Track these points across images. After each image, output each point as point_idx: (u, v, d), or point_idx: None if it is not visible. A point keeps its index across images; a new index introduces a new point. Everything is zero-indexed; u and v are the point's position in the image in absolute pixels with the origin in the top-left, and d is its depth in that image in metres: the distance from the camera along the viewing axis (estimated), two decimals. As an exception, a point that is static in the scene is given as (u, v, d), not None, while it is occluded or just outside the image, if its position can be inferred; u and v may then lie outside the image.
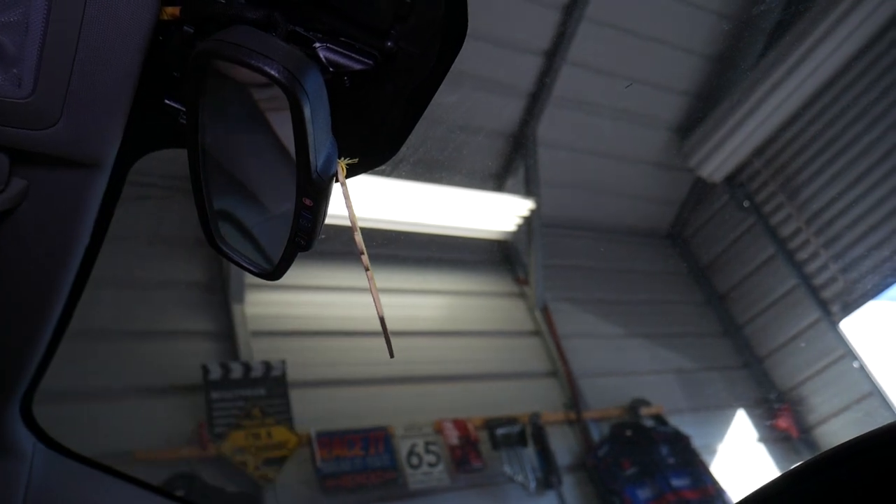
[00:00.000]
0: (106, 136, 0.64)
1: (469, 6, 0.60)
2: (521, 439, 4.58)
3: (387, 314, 0.57)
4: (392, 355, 0.52)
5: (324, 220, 0.56)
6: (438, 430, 4.44)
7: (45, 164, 0.66)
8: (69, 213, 0.73)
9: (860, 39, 4.85)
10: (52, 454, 1.13)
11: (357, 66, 0.59)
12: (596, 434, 4.96)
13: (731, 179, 6.15)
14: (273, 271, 0.60)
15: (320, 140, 0.51)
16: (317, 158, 0.51)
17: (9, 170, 0.64)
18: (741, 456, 5.53)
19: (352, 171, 0.57)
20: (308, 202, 0.53)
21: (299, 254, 0.59)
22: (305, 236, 0.56)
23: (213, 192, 0.57)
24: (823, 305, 5.73)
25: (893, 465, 0.56)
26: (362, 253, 0.57)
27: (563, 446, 4.84)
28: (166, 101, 0.59)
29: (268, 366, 4.14)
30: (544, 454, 4.61)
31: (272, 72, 0.45)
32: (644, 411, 5.10)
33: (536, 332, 5.46)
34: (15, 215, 0.69)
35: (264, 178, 0.62)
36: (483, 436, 4.54)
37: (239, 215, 0.61)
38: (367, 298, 0.58)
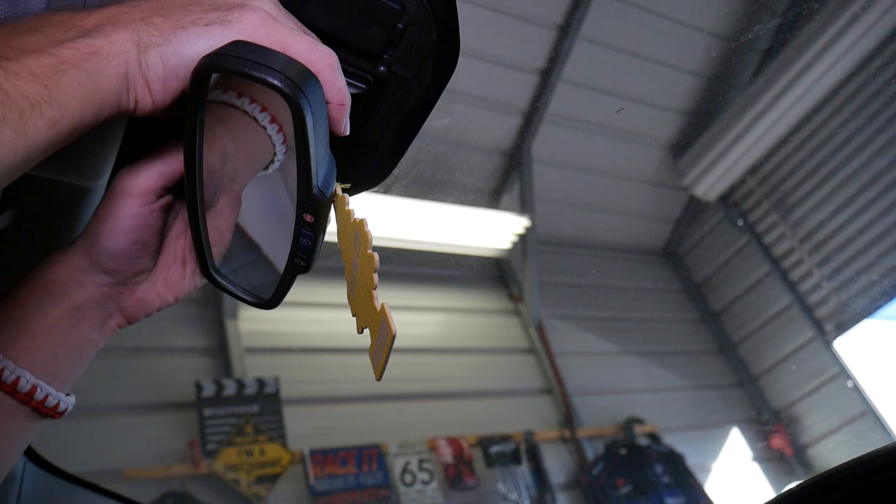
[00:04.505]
0: (100, 157, 0.64)
1: (465, 24, 0.61)
2: (515, 457, 4.56)
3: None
4: (379, 378, 0.52)
5: (323, 238, 0.56)
6: (432, 447, 4.43)
7: (38, 186, 0.66)
8: (62, 234, 0.73)
9: (852, 60, 4.90)
10: (43, 473, 1.12)
11: (349, 91, 0.60)
12: (590, 452, 4.95)
13: (724, 198, 6.18)
14: (270, 298, 0.59)
15: (320, 154, 0.50)
16: (318, 172, 0.51)
17: (0, 192, 0.64)
18: (735, 475, 5.51)
19: (345, 193, 0.56)
20: (308, 218, 0.52)
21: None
22: (305, 256, 0.55)
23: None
24: (817, 324, 5.74)
25: (892, 489, 0.55)
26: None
27: (557, 464, 4.82)
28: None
29: (261, 382, 4.12)
30: (538, 472, 4.59)
31: (274, 81, 0.45)
32: (638, 429, 5.09)
33: (531, 350, 5.46)
34: (7, 237, 0.69)
35: (263, 202, 0.62)
36: (477, 453, 4.52)
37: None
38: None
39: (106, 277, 0.56)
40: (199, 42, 0.47)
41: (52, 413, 0.55)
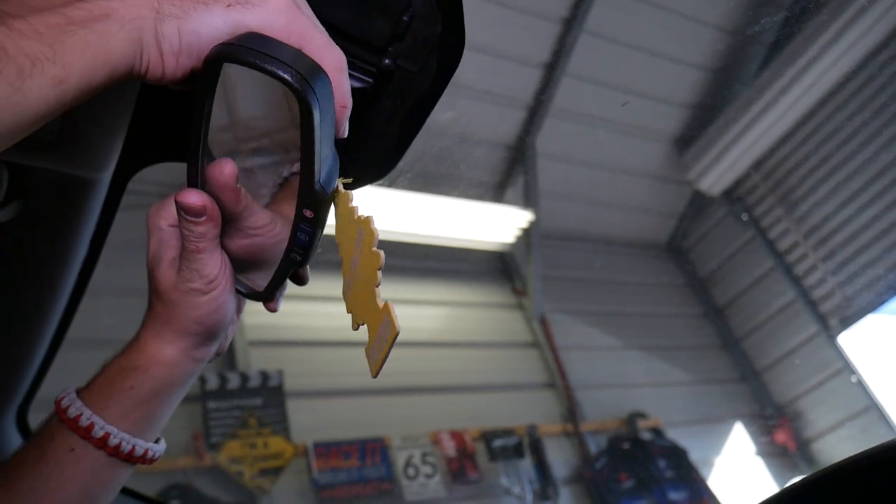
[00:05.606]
0: (105, 149, 0.64)
1: (470, 18, 0.61)
2: (517, 451, 4.57)
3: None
4: (375, 375, 0.52)
5: (321, 234, 0.56)
6: (435, 441, 4.43)
7: (44, 178, 0.66)
8: (67, 225, 0.73)
9: (859, 54, 4.88)
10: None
11: (355, 84, 0.59)
12: (593, 446, 4.95)
13: (729, 193, 6.16)
14: (264, 290, 0.60)
15: (325, 151, 0.50)
16: (321, 169, 0.50)
17: (7, 183, 0.64)
18: (739, 469, 5.51)
19: (349, 187, 0.56)
20: (308, 214, 0.52)
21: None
22: (302, 251, 0.55)
23: None
24: (821, 319, 5.73)
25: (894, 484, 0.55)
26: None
27: (560, 458, 4.82)
28: None
29: (265, 375, 4.13)
30: (541, 466, 4.59)
31: (284, 75, 0.45)
32: (642, 424, 5.09)
33: (534, 344, 5.46)
34: (13, 227, 0.69)
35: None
36: (480, 447, 4.53)
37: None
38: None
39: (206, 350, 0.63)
40: (219, 21, 0.47)
41: (143, 461, 0.60)
